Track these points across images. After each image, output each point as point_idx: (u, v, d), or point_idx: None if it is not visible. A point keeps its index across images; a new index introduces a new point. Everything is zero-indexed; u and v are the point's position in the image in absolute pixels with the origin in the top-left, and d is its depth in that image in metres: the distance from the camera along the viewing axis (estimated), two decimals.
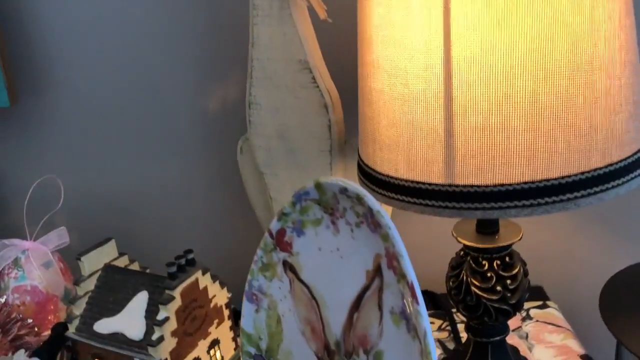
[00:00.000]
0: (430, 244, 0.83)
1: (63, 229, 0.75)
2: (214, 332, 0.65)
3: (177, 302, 0.59)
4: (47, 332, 0.70)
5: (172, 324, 0.59)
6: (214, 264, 0.66)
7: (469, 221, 0.64)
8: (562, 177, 0.46)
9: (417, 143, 0.49)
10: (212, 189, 0.88)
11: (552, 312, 0.83)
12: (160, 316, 0.58)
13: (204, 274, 0.63)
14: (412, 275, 0.41)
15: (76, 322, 0.63)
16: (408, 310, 0.42)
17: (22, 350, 0.64)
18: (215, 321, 0.65)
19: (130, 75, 0.84)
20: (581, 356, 0.73)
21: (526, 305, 0.85)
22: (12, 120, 0.87)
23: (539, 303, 0.85)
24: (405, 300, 0.43)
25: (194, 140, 0.87)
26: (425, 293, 0.84)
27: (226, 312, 0.67)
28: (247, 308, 0.56)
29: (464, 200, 0.48)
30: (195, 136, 0.87)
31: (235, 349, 0.68)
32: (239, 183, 0.80)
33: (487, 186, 0.47)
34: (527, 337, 0.78)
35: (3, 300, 0.70)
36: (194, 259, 0.61)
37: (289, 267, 0.53)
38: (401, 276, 0.42)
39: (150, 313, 0.60)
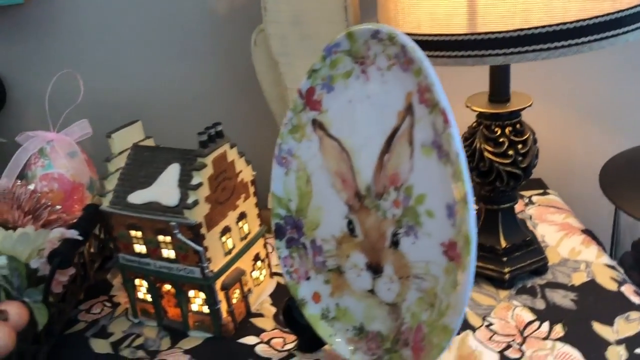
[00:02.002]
0: None
1: (85, 121, 0.78)
2: (242, 205, 0.68)
3: (209, 170, 0.62)
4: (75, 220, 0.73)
5: (205, 190, 0.62)
6: None
7: (482, 94, 0.68)
8: (577, 21, 0.49)
9: None
10: (224, 88, 0.91)
11: (553, 198, 0.88)
12: (194, 181, 0.61)
13: (231, 147, 0.66)
14: (444, 102, 0.44)
15: (109, 197, 0.66)
16: (439, 137, 0.46)
17: (59, 227, 0.67)
18: (242, 195, 0.68)
19: None
20: (582, 231, 0.78)
21: (528, 193, 0.90)
22: (27, 18, 0.88)
23: (540, 191, 0.90)
24: (435, 130, 0.46)
25: (204, 39, 0.89)
26: None
27: (251, 189, 0.70)
28: (276, 172, 0.60)
29: (486, 48, 0.51)
30: (205, 34, 0.88)
31: (260, 225, 0.72)
32: (251, 81, 0.82)
33: (507, 31, 0.50)
34: (530, 218, 0.83)
35: (32, 187, 0.73)
36: (222, 132, 0.64)
37: (318, 125, 0.56)
38: (433, 106, 0.45)
39: (184, 182, 0.63)
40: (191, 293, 0.66)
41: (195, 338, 0.67)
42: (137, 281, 0.69)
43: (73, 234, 0.64)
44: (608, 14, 0.50)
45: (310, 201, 0.59)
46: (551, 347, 0.59)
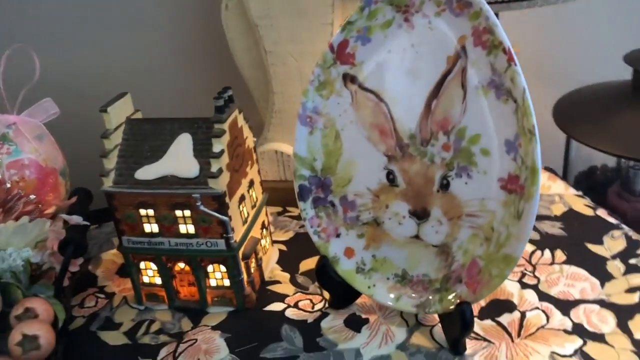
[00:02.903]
0: None
1: (49, 100, 0.70)
2: (250, 172, 0.66)
3: (227, 136, 0.60)
4: (51, 210, 0.67)
5: (226, 158, 0.59)
6: None
7: None
8: None
9: None
10: (189, 60, 0.86)
11: None
12: (216, 149, 0.59)
13: (239, 112, 0.63)
14: (507, 42, 0.47)
15: (111, 176, 0.61)
16: (500, 76, 0.48)
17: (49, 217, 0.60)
18: (249, 162, 0.66)
19: None
20: (544, 168, 0.86)
21: None
22: None
23: None
24: (494, 69, 0.49)
25: (161, 9, 0.84)
26: None
27: (254, 156, 0.68)
28: (300, 132, 0.59)
29: None
30: (162, 3, 0.83)
31: (262, 192, 0.70)
32: (218, 48, 0.79)
33: None
34: None
35: None
36: (232, 96, 0.62)
37: (350, 78, 0.56)
38: (494, 47, 0.48)
39: (200, 151, 0.60)
40: (210, 268, 0.63)
41: (217, 314, 0.65)
42: (142, 264, 0.65)
43: (78, 219, 0.58)
44: None
45: (340, 157, 0.59)
46: (559, 270, 0.66)
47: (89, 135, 0.80)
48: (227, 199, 0.59)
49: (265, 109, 0.83)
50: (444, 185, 0.54)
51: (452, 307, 0.55)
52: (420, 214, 0.56)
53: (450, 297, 0.56)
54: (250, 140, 0.67)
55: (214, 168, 0.58)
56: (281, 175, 0.83)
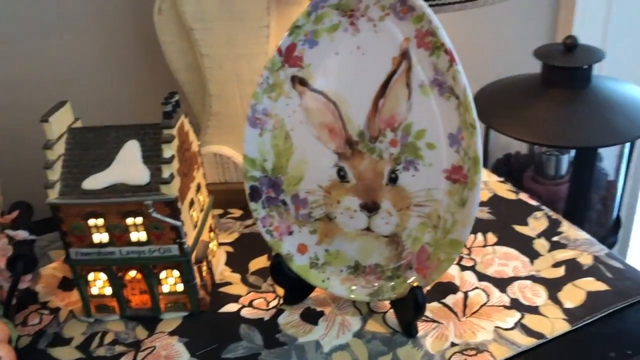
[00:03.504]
0: None
1: None
2: (197, 176, 0.67)
3: (176, 141, 0.60)
4: None
5: (176, 163, 0.60)
6: None
7: None
8: None
9: None
10: (121, 65, 0.84)
11: None
12: (167, 154, 0.58)
13: (185, 117, 0.64)
14: (449, 43, 0.50)
15: (57, 188, 0.59)
16: (442, 75, 0.52)
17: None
18: (195, 166, 0.67)
19: None
20: None
21: None
22: None
23: None
24: (437, 69, 0.52)
25: (83, 11, 0.81)
26: None
27: (199, 159, 0.69)
28: (249, 134, 0.60)
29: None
30: (85, 5, 0.81)
31: (208, 196, 0.71)
32: (148, 52, 0.78)
33: None
34: None
35: None
36: (179, 101, 0.62)
37: (298, 81, 0.58)
38: (436, 48, 0.52)
39: (150, 157, 0.59)
40: (162, 274, 0.63)
41: (172, 319, 0.65)
42: (90, 276, 0.63)
43: (24, 234, 0.56)
44: None
45: (290, 157, 0.61)
46: (492, 251, 0.71)
47: (20, 146, 0.77)
48: (179, 204, 0.60)
49: (200, 113, 0.83)
50: (393, 179, 0.57)
51: (404, 292, 0.58)
52: (371, 207, 0.59)
53: (402, 283, 0.59)
54: (195, 144, 0.67)
55: (165, 174, 0.58)
56: (220, 177, 0.83)
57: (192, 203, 0.64)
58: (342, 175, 0.59)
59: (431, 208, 0.57)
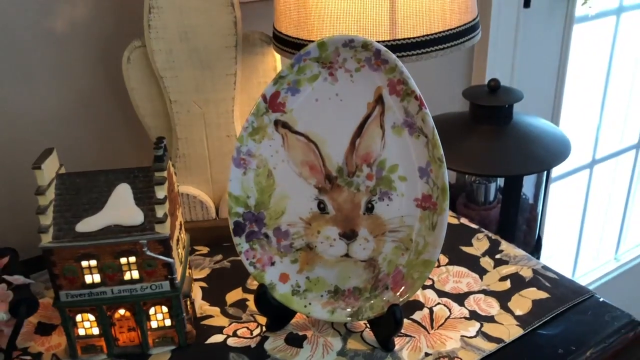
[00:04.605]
0: None
1: None
2: (179, 215, 0.70)
3: (166, 183, 0.64)
4: None
5: (167, 204, 0.63)
6: None
7: None
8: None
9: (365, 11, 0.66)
10: (88, 110, 0.86)
11: None
12: (160, 195, 0.62)
13: (170, 160, 0.68)
14: (418, 91, 0.59)
15: (50, 232, 0.61)
16: (412, 118, 0.60)
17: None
18: (177, 205, 0.70)
19: None
20: None
21: None
22: None
23: None
24: (408, 112, 0.61)
25: (46, 63, 0.83)
26: None
27: (179, 199, 0.72)
28: (234, 173, 0.65)
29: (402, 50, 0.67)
30: (45, 58, 0.83)
31: (185, 234, 0.74)
32: (110, 100, 0.81)
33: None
34: None
35: None
36: (166, 145, 0.66)
37: (281, 124, 0.64)
38: (407, 95, 0.60)
39: (142, 199, 0.63)
40: (152, 310, 0.66)
41: (159, 354, 0.67)
42: (78, 317, 0.65)
43: (21, 278, 0.58)
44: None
45: (272, 193, 0.66)
46: (446, 270, 0.80)
47: None
48: (171, 242, 0.63)
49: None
50: (369, 209, 0.64)
51: (382, 311, 0.65)
52: (350, 235, 0.66)
53: (379, 302, 0.66)
54: (176, 185, 0.71)
55: (159, 214, 0.62)
56: (187, 216, 0.86)
57: (178, 240, 0.68)
58: (322, 207, 0.65)
59: (404, 233, 0.64)
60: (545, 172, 1.07)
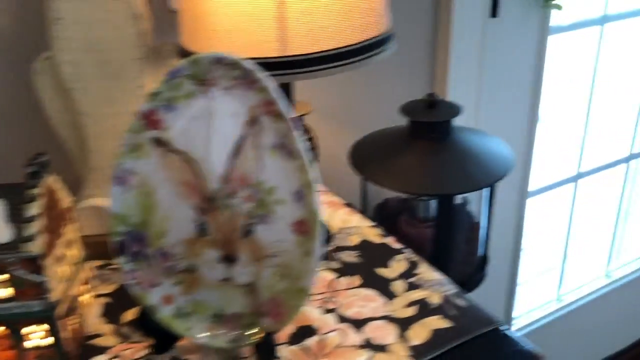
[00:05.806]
0: None
1: None
2: (68, 232, 0.69)
3: (43, 200, 0.62)
4: None
5: (42, 221, 0.62)
6: None
7: None
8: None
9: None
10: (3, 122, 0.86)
11: None
12: (30, 213, 0.61)
13: (54, 175, 0.66)
14: (287, 112, 0.57)
15: None
16: (286, 139, 0.58)
17: None
18: (66, 222, 0.69)
19: None
20: (344, 204, 0.99)
21: None
22: None
23: None
24: (280, 134, 0.58)
25: None
26: None
27: (71, 215, 0.71)
28: (115, 191, 0.64)
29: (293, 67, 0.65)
30: None
31: (82, 250, 0.73)
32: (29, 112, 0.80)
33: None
34: None
35: None
36: (47, 161, 0.65)
37: (158, 142, 0.62)
38: (278, 116, 0.57)
39: (15, 216, 0.62)
40: (27, 329, 0.65)
41: None
42: None
43: None
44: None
45: (154, 212, 0.64)
46: (355, 293, 0.77)
47: None
48: (43, 261, 0.62)
49: (82, 168, 0.85)
50: (248, 232, 0.62)
51: (259, 338, 0.62)
52: (229, 259, 0.63)
53: (258, 330, 0.63)
54: (66, 201, 0.69)
55: (29, 232, 0.61)
56: (96, 230, 0.85)
57: (60, 258, 0.66)
58: (202, 229, 0.63)
59: (282, 258, 0.62)
60: (489, 189, 1.03)
